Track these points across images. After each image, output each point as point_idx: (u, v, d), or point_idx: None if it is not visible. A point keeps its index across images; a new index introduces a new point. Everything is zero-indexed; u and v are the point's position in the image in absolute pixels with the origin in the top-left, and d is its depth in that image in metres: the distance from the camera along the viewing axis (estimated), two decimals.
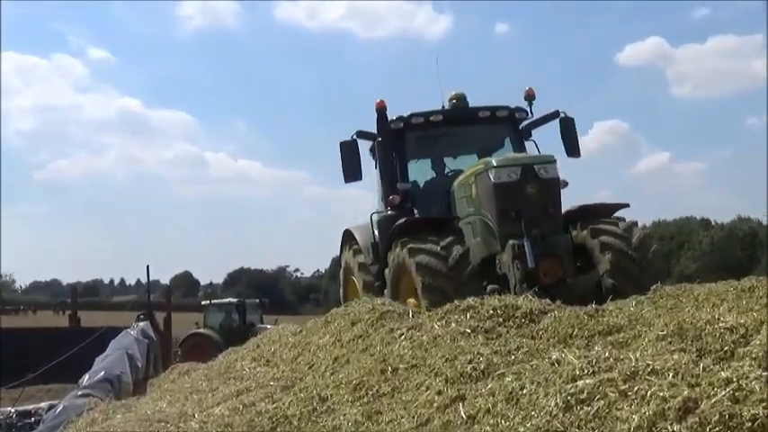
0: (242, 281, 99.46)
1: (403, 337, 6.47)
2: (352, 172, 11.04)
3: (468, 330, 6.18)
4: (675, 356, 4.48)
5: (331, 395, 5.73)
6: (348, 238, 12.01)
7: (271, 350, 8.36)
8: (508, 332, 6.12)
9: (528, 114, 11.67)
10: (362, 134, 11.30)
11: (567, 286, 9.07)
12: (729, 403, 3.54)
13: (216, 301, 31.80)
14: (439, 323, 6.46)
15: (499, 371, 5.03)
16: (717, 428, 3.42)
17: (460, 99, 11.69)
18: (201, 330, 28.05)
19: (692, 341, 4.88)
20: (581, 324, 5.95)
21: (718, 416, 3.45)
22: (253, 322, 28.21)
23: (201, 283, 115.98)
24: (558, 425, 3.94)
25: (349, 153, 11.00)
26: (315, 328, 8.21)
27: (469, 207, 10.19)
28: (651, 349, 4.87)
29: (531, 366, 4.86)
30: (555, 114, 11.60)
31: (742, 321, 4.98)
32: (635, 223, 9.84)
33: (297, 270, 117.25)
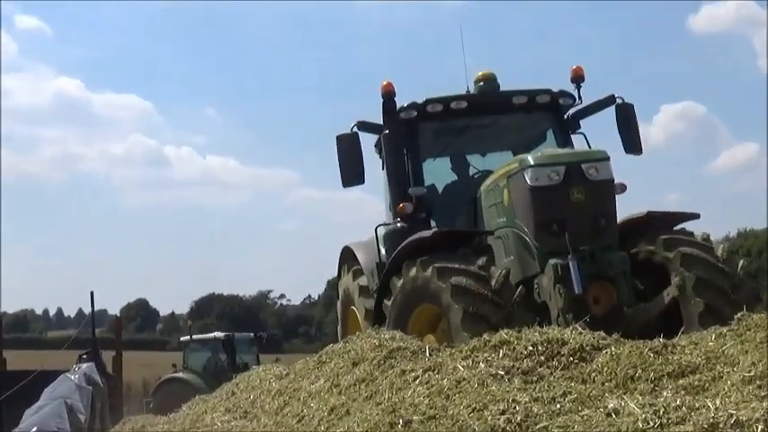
0: (213, 310, 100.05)
1: (418, 380, 6.57)
2: (352, 173, 11.01)
3: (502, 372, 6.26)
4: (765, 404, 4.54)
5: None
6: (348, 257, 12.06)
7: (249, 399, 8.47)
8: (552, 374, 6.18)
9: (575, 100, 11.66)
10: (365, 126, 11.30)
11: (625, 317, 9.06)
12: None
13: (198, 336, 31.96)
14: (464, 363, 6.52)
15: (541, 424, 5.09)
16: None
17: (490, 81, 11.62)
18: (180, 375, 28.22)
19: None
20: (645, 363, 6.02)
21: None
22: (247, 362, 28.27)
23: (161, 314, 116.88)
24: None
25: (348, 150, 10.95)
26: (306, 370, 8.34)
27: (501, 217, 10.15)
28: (735, 395, 4.95)
29: (582, 418, 4.94)
30: (610, 100, 11.59)
31: None
32: (708, 237, 9.82)
33: (282, 296, 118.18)
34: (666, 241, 9.45)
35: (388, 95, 10.99)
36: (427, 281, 9.35)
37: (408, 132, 11.24)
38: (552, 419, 5.16)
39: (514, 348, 6.70)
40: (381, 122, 11.17)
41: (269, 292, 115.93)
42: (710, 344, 6.43)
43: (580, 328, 7.01)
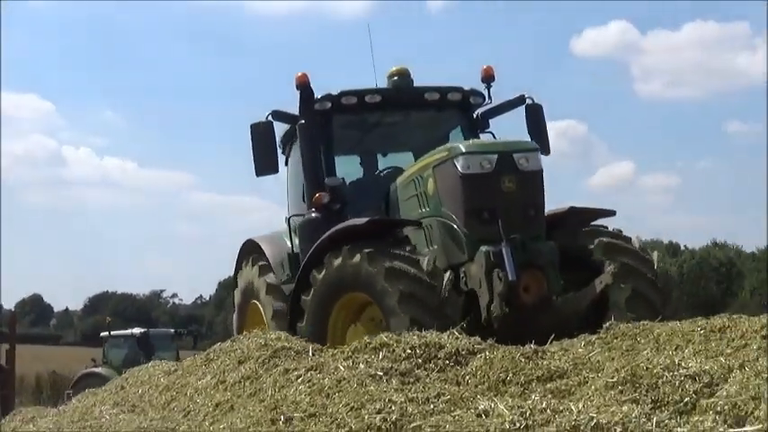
0: (106, 307, 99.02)
1: (300, 379, 6.59)
2: (265, 162, 10.63)
3: (380, 373, 6.27)
4: (625, 408, 4.66)
5: None
6: (250, 251, 11.71)
7: (138, 393, 8.38)
8: (428, 376, 6.23)
9: (485, 99, 11.39)
10: (280, 115, 10.93)
11: (553, 306, 8.90)
12: None
13: (116, 332, 31.50)
14: (345, 363, 6.57)
15: (414, 423, 5.13)
16: None
17: (404, 76, 11.30)
18: (98, 369, 27.81)
19: (646, 390, 5.10)
20: (516, 368, 6.11)
21: None
22: (165, 359, 27.99)
23: (55, 309, 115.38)
24: None
25: (263, 138, 10.58)
26: (193, 366, 8.30)
27: (422, 208, 9.82)
28: (598, 399, 5.06)
29: (454, 418, 4.98)
30: (520, 100, 11.42)
31: (707, 368, 5.23)
32: (621, 231, 9.80)
33: (174, 296, 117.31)
34: (588, 233, 9.43)
35: (303, 86, 10.58)
36: (357, 267, 9.02)
37: (322, 124, 10.88)
38: (425, 419, 5.19)
39: (393, 351, 6.72)
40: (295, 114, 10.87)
41: (161, 291, 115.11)
42: (580, 350, 6.57)
43: (458, 332, 6.98)
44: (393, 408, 5.39)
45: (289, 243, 11.13)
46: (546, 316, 8.78)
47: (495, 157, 9.17)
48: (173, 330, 31.73)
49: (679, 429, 4.38)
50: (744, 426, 4.45)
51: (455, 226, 9.34)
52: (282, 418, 5.86)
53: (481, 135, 11.37)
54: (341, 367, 6.57)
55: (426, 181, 9.75)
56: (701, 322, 6.56)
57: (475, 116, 11.53)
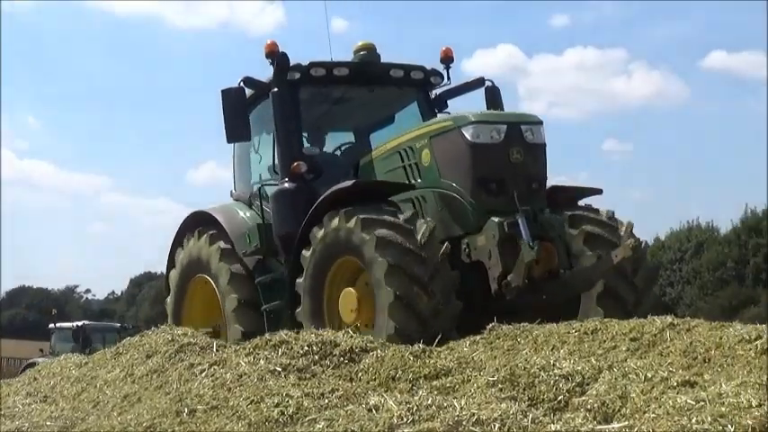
0: (23, 301, 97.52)
1: (204, 373, 6.56)
2: (237, 129, 9.92)
3: (279, 369, 6.29)
4: (504, 405, 4.72)
5: None
6: (195, 224, 10.87)
7: (50, 384, 8.24)
8: (324, 372, 6.27)
9: (444, 79, 10.88)
10: (252, 83, 10.15)
11: (561, 280, 8.44)
12: None
13: (60, 324, 31.06)
14: (246, 359, 6.55)
15: (310, 416, 5.18)
16: None
17: (371, 50, 10.66)
18: (42, 359, 27.54)
19: (524, 389, 5.22)
20: (406, 365, 6.14)
21: None
22: None
23: None
24: None
25: (234, 105, 9.83)
26: (103, 360, 8.20)
27: (413, 180, 9.24)
28: (479, 397, 5.14)
29: (346, 412, 5.03)
30: (480, 82, 10.96)
31: (579, 368, 5.34)
32: (613, 215, 9.26)
33: (88, 291, 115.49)
34: (572, 218, 8.92)
35: (275, 54, 9.92)
36: (350, 232, 8.46)
37: (291, 94, 10.15)
38: (320, 413, 5.23)
39: (292, 347, 6.70)
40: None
41: (76, 286, 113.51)
42: (465, 350, 6.58)
43: (352, 331, 7.00)
44: (290, 402, 5.41)
45: (247, 214, 10.51)
46: (554, 289, 8.44)
47: (505, 127, 8.69)
48: (118, 324, 31.57)
49: (552, 426, 4.45)
50: (611, 423, 4.52)
51: (458, 196, 8.82)
52: (186, 410, 5.82)
53: (439, 115, 10.69)
54: (242, 363, 6.52)
55: (420, 152, 9.16)
56: (576, 324, 6.64)
57: (433, 96, 11.04)
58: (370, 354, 6.59)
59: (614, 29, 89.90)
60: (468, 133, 8.66)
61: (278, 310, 9.80)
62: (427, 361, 6.27)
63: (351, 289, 8.66)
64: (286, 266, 9.62)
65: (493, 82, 10.90)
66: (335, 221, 8.58)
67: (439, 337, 7.59)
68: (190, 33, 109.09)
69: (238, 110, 9.88)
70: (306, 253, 8.91)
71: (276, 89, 9.89)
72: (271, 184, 10.25)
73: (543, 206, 8.74)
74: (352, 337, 6.87)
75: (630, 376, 5.15)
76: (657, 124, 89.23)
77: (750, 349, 5.43)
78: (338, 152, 11.10)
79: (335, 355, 6.62)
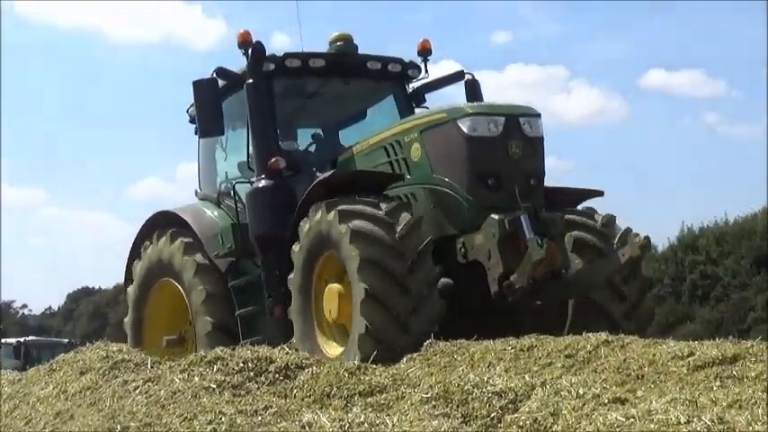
0: None
1: (138, 390, 6.42)
2: (210, 122, 9.27)
3: (213, 385, 6.19)
4: (436, 422, 4.73)
5: None
6: (163, 224, 10.14)
7: None
8: (258, 389, 6.16)
9: (422, 72, 10.34)
10: (224, 73, 9.52)
11: (563, 281, 7.91)
12: None
13: (5, 340, 30.77)
14: (180, 376, 6.45)
15: None
16: None
17: (348, 41, 10.05)
18: None
19: (457, 406, 5.17)
20: (340, 382, 6.06)
21: None
22: None
23: None
24: None
25: (207, 97, 9.18)
26: (37, 376, 8.02)
27: (403, 175, 8.71)
28: (413, 414, 5.11)
29: (279, 429, 5.00)
30: (459, 75, 10.55)
31: (512, 385, 5.28)
32: (613, 218, 8.65)
33: (24, 306, 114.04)
34: (567, 222, 8.40)
35: (247, 43, 9.29)
36: (330, 225, 7.86)
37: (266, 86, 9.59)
38: (253, 430, 5.20)
39: (227, 364, 6.58)
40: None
41: (12, 302, 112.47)
42: (401, 366, 6.51)
43: (287, 347, 6.79)
44: (223, 419, 5.29)
45: (215, 214, 9.90)
46: (556, 291, 7.98)
47: (503, 120, 8.14)
48: (66, 340, 31.28)
49: None
50: None
51: (452, 193, 8.27)
52: (119, 427, 5.69)
53: (416, 110, 10.22)
54: (176, 380, 6.40)
55: (409, 146, 8.60)
56: (513, 341, 6.53)
57: (411, 90, 10.51)
58: (306, 370, 6.50)
59: (555, 46, 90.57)
60: (464, 126, 8.13)
61: (253, 315, 9.31)
62: (362, 377, 6.16)
63: (334, 286, 8.06)
64: (262, 269, 9.10)
65: (473, 75, 10.51)
66: (318, 214, 8.02)
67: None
68: (131, 47, 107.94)
69: (212, 102, 9.25)
70: (295, 248, 8.34)
71: (251, 80, 9.27)
72: (244, 182, 9.62)
73: (541, 204, 8.25)
74: (287, 353, 6.74)
75: (563, 393, 5.06)
76: (597, 141, 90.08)
77: (682, 366, 5.42)
78: (308, 150, 10.41)
79: (271, 371, 6.48)
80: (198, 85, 9.18)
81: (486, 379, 5.43)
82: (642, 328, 8.02)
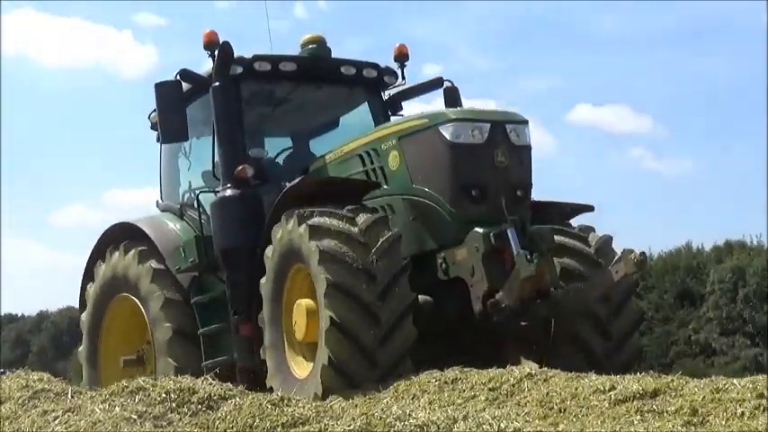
0: None
1: (57, 421, 6.15)
2: (173, 127, 8.76)
3: (135, 416, 5.89)
4: None
5: None
6: (117, 238, 9.64)
7: None
8: (180, 420, 5.89)
9: (399, 79, 9.79)
10: (189, 75, 9.05)
11: (552, 299, 7.35)
12: None
13: None
14: (101, 406, 6.13)
15: None
16: None
17: (321, 44, 9.52)
18: None
19: None
20: (263, 414, 5.84)
21: None
22: None
23: None
24: None
25: (170, 100, 8.72)
26: None
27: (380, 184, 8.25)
28: None
29: None
30: (438, 82, 9.88)
31: (434, 418, 5.16)
32: (610, 240, 8.14)
33: None
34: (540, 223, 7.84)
35: (213, 44, 8.79)
36: (301, 239, 7.35)
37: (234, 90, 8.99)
38: None
39: (149, 394, 6.28)
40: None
41: None
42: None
43: (212, 378, 6.46)
44: None
45: (177, 226, 9.43)
46: (544, 310, 7.41)
47: (488, 126, 7.63)
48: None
49: None
50: None
51: (433, 204, 7.76)
52: None
53: (392, 118, 9.67)
54: (97, 410, 6.12)
55: (387, 154, 8.07)
56: (437, 374, 6.42)
57: (387, 97, 10.02)
58: (229, 401, 6.18)
59: (484, 80, 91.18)
60: (446, 132, 7.61)
61: (216, 334, 8.76)
62: (285, 409, 5.93)
63: (303, 301, 7.52)
64: (228, 284, 8.54)
65: (452, 82, 9.93)
66: (291, 223, 7.53)
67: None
68: (60, 72, 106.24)
69: (175, 105, 8.74)
70: (268, 252, 7.83)
71: (217, 83, 8.71)
72: (209, 192, 9.12)
73: (529, 216, 7.80)
74: (211, 384, 6.48)
75: (485, 426, 4.97)
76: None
77: (604, 399, 5.40)
78: (276, 160, 9.83)
79: (193, 402, 6.18)
80: (159, 88, 8.70)
81: (408, 412, 5.30)
82: (627, 368, 7.33)
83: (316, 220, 7.18)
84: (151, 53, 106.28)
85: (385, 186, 7.96)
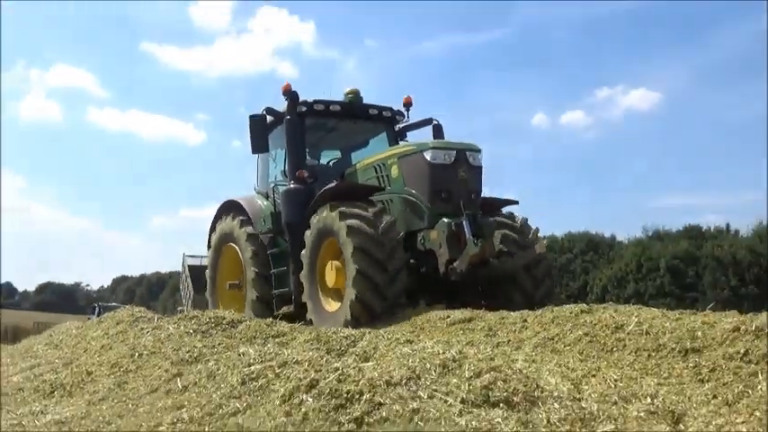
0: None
1: (149, 333, 7.86)
2: (260, 144, 11.22)
3: (191, 331, 7.71)
4: (311, 353, 5.79)
5: (95, 370, 7.20)
6: (229, 208, 12.27)
7: (60, 338, 9.42)
8: (216, 333, 7.72)
9: (404, 117, 12.39)
10: (271, 111, 11.52)
11: (491, 266, 9.27)
12: (335, 382, 4.68)
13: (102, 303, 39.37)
14: (173, 326, 7.92)
15: (205, 358, 6.46)
16: (328, 398, 4.54)
17: (356, 94, 11.98)
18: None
19: (323, 343, 6.99)
20: (261, 330, 7.78)
21: (328, 389, 4.61)
22: None
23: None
24: (236, 393, 5.19)
25: (258, 127, 11.15)
26: (92, 325, 9.46)
27: (385, 186, 10.22)
28: (299, 348, 6.59)
29: (226, 356, 6.12)
30: (429, 121, 12.41)
31: (353, 333, 7.12)
32: (526, 220, 10.35)
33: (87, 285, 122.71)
34: (497, 223, 10.01)
35: (287, 92, 11.20)
36: (332, 221, 9.34)
37: (299, 121, 11.36)
38: (212, 356, 6.34)
39: (200, 320, 8.01)
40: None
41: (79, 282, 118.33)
42: (295, 325, 8.28)
43: (234, 311, 8.49)
44: (195, 349, 6.78)
45: (264, 204, 11.79)
46: (485, 273, 9.31)
47: (455, 152, 9.64)
48: (118, 305, 34.39)
49: (335, 364, 5.14)
50: (369, 361, 5.37)
51: (417, 201, 9.68)
52: (137, 353, 7.21)
53: (401, 142, 12.25)
54: (170, 328, 7.89)
55: (390, 167, 10.11)
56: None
57: (396, 129, 12.46)
58: (243, 323, 8.10)
59: None
60: (428, 156, 9.64)
61: (283, 274, 11.24)
62: (274, 328, 7.87)
63: (335, 262, 9.54)
64: (289, 245, 10.87)
65: (438, 120, 12.36)
66: (324, 212, 9.57)
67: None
68: None
69: (261, 130, 11.24)
70: (308, 233, 9.95)
71: (288, 117, 11.18)
72: (281, 185, 11.51)
73: (478, 212, 9.57)
74: (232, 314, 8.27)
75: (380, 336, 6.88)
76: None
77: (444, 323, 7.55)
78: (330, 165, 12.28)
79: (224, 324, 8.10)
80: (252, 118, 11.19)
81: (339, 329, 7.33)
82: (547, 296, 9.85)
83: (343, 208, 9.35)
84: None
85: (388, 188, 10.13)
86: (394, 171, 10.06)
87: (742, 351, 5.37)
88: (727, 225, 49.35)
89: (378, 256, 8.84)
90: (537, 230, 10.00)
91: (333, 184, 10.06)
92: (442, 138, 12.01)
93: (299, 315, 10.19)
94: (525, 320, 7.38)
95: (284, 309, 11.10)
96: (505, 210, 10.77)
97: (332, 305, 9.71)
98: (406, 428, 4.18)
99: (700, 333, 5.89)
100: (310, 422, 4.41)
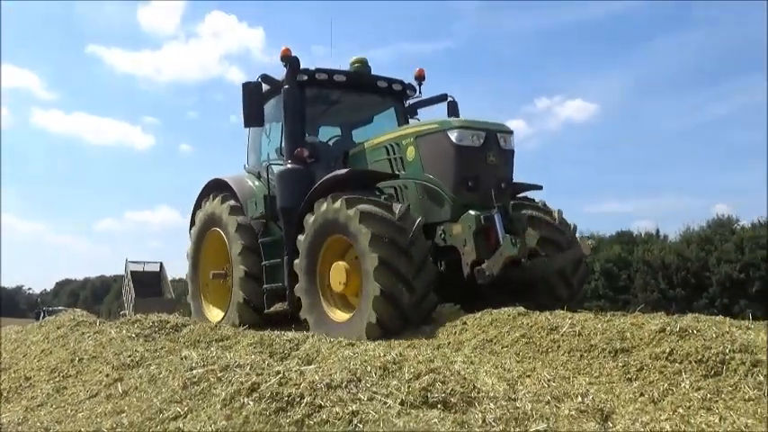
0: None
1: (90, 338, 7.66)
2: (254, 116, 9.72)
3: (134, 335, 7.58)
4: (254, 356, 5.77)
5: (33, 375, 6.95)
6: (216, 188, 10.95)
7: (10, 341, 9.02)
8: (159, 337, 7.59)
9: (416, 92, 10.99)
10: (268, 79, 10.11)
11: (522, 268, 7.95)
12: (277, 385, 4.62)
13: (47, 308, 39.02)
14: (115, 329, 7.77)
15: (147, 362, 6.31)
16: (269, 401, 4.44)
17: (364, 64, 10.72)
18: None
19: (266, 347, 6.82)
20: (205, 333, 7.66)
21: (269, 393, 4.52)
22: None
23: None
24: (178, 397, 5.09)
25: (252, 96, 9.70)
26: (32, 329, 9.21)
27: (396, 170, 8.92)
28: (242, 351, 6.53)
29: (168, 360, 6.04)
30: (443, 97, 11.01)
31: (299, 336, 6.96)
32: (561, 213, 9.02)
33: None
34: (531, 219, 8.68)
35: (286, 57, 9.81)
36: (337, 212, 8.05)
37: (299, 92, 10.00)
38: (154, 360, 6.23)
39: (143, 323, 7.82)
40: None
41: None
42: (239, 329, 8.18)
43: (178, 315, 8.23)
44: (137, 353, 6.59)
45: (256, 184, 10.45)
46: (516, 276, 7.94)
47: (484, 134, 8.29)
48: (63, 308, 34.11)
49: (277, 367, 5.09)
50: (312, 364, 5.45)
51: (438, 189, 8.38)
52: (77, 358, 6.98)
53: (410, 120, 10.84)
54: (113, 332, 7.70)
55: (405, 148, 8.80)
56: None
57: (406, 105, 11.06)
58: (187, 327, 7.98)
59: None
60: (453, 136, 8.24)
61: (275, 266, 9.75)
62: (217, 332, 7.76)
63: (341, 262, 8.28)
64: (284, 233, 9.44)
65: (453, 98, 10.97)
66: (324, 206, 8.26)
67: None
68: None
69: (255, 100, 9.71)
70: (301, 237, 8.61)
71: (287, 86, 9.73)
72: (276, 164, 10.12)
73: (509, 203, 8.44)
74: (177, 318, 8.16)
75: (324, 341, 6.73)
76: None
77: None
78: (330, 142, 10.83)
79: (167, 327, 7.96)
80: (245, 86, 9.73)
81: (284, 333, 7.16)
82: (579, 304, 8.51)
83: (348, 196, 8.07)
84: None
85: (403, 172, 8.78)
86: (410, 153, 8.78)
87: (667, 351, 5.52)
88: (657, 230, 50.20)
89: (400, 242, 7.62)
90: (575, 228, 8.80)
91: (342, 171, 8.75)
92: (458, 116, 10.55)
93: (293, 313, 9.15)
94: (465, 323, 7.44)
95: (277, 306, 10.28)
96: (527, 198, 9.57)
97: (338, 314, 8.44)
98: (345, 430, 4.19)
99: (629, 334, 6.05)
100: (251, 425, 4.37)
